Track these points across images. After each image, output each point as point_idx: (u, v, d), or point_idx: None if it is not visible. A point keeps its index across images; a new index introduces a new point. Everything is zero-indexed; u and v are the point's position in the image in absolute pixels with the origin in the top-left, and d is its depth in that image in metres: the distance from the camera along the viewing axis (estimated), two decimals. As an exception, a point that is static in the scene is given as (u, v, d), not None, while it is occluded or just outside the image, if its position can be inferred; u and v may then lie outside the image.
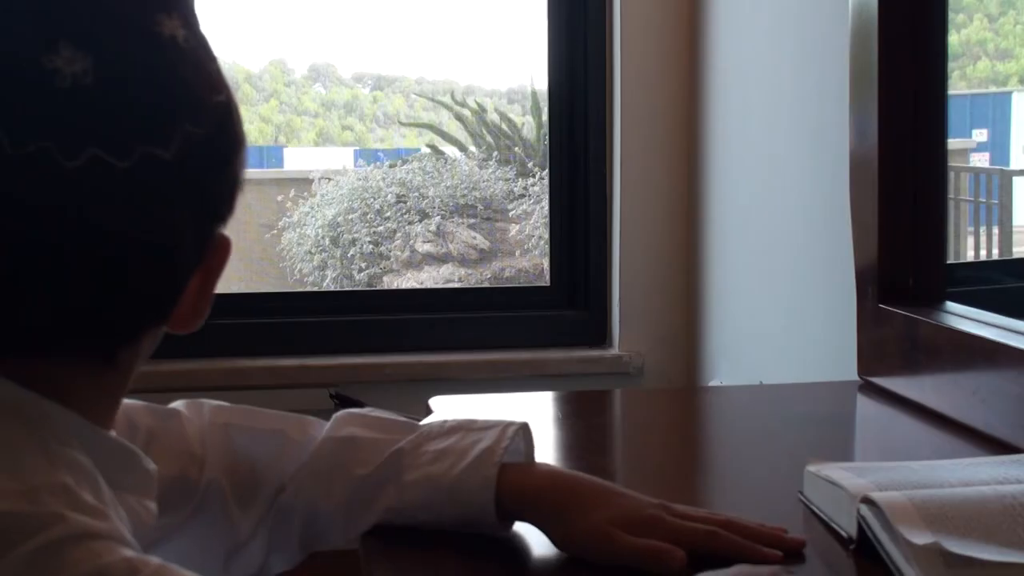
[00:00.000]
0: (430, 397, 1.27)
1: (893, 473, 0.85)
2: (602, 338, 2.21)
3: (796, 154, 1.70)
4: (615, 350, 2.27)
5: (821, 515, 0.87)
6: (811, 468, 0.90)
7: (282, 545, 0.92)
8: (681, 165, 2.13)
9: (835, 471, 0.87)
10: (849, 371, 1.35)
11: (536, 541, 0.85)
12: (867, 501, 0.79)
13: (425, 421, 0.94)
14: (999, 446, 1.05)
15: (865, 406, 1.30)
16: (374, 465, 0.88)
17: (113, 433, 0.73)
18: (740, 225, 1.95)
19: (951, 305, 1.25)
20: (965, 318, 1.20)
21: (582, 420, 1.29)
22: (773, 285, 1.78)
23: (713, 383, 2.04)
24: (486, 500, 0.84)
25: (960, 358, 1.16)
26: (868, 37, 1.29)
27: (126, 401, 0.82)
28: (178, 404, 0.93)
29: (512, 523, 0.87)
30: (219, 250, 0.72)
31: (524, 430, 0.89)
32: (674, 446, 1.22)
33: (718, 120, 2.02)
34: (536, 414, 1.23)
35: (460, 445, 0.87)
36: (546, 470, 0.88)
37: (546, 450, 1.09)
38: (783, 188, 1.74)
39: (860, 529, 0.80)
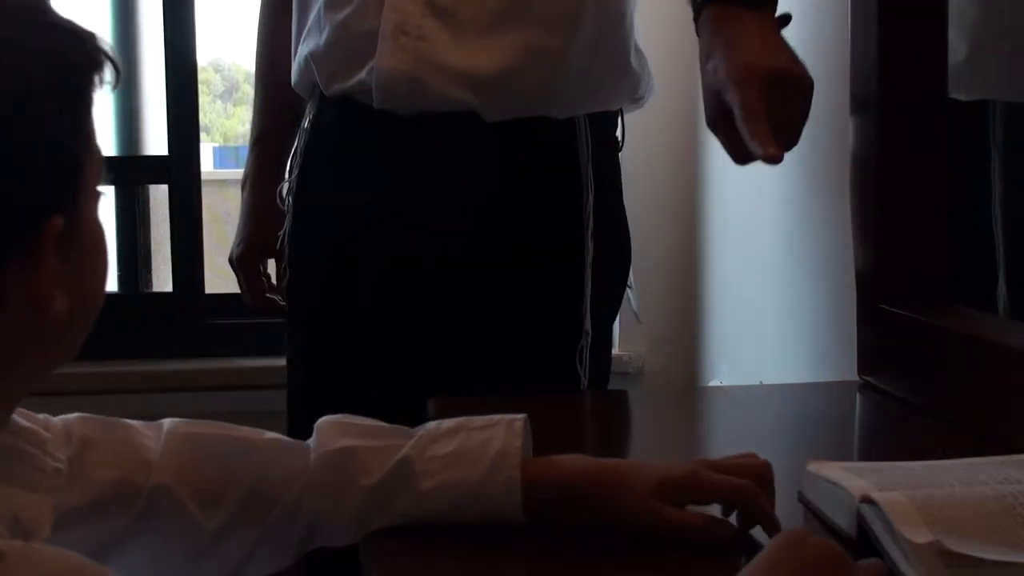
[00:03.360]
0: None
1: (893, 473, 0.85)
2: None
3: (796, 153, 1.70)
4: (615, 350, 2.26)
5: (821, 515, 0.87)
6: (811, 468, 0.90)
7: (276, 550, 0.92)
8: (681, 164, 2.13)
9: (835, 471, 0.87)
10: (849, 371, 1.35)
11: (538, 538, 0.85)
12: (867, 500, 0.79)
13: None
14: (999, 446, 1.05)
15: (865, 406, 1.30)
16: (380, 474, 0.88)
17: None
18: (740, 225, 1.95)
19: (951, 305, 1.25)
20: (965, 318, 1.20)
21: (583, 420, 1.29)
22: (773, 285, 1.79)
23: (713, 383, 2.04)
24: (512, 502, 0.85)
25: (960, 358, 1.16)
26: (868, 37, 1.29)
27: (70, 416, 0.87)
28: (137, 423, 0.93)
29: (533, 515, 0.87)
30: (45, 235, 0.69)
31: (524, 424, 0.90)
32: (674, 446, 1.22)
33: (718, 120, 2.02)
34: (536, 414, 1.23)
35: (470, 447, 0.88)
36: (568, 460, 0.89)
37: (546, 451, 1.09)
38: (783, 188, 1.74)
39: (860, 529, 0.80)
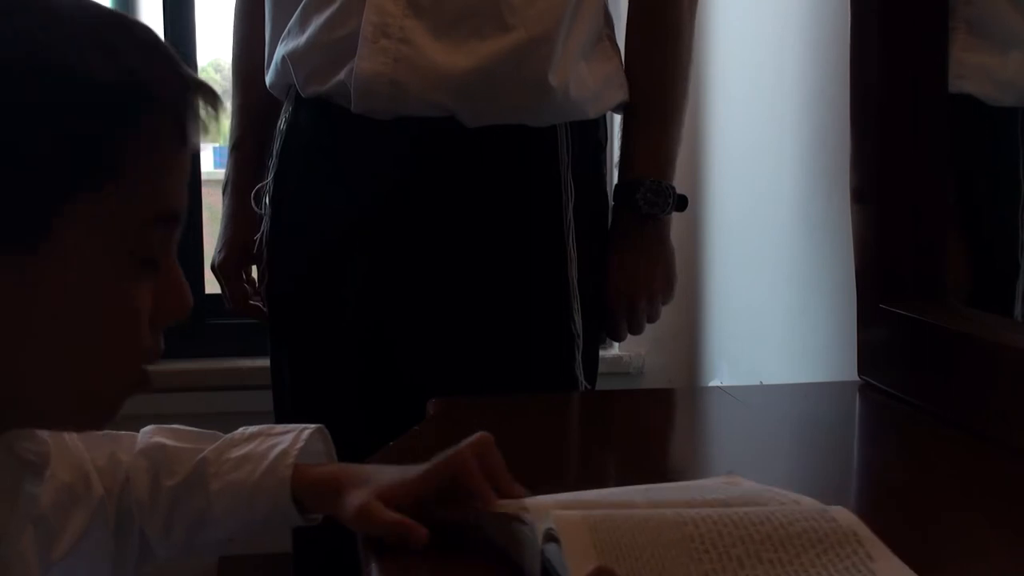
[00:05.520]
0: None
1: (584, 498, 0.80)
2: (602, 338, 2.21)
3: (797, 153, 1.70)
4: (615, 350, 2.27)
5: (508, 554, 0.80)
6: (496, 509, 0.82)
7: (129, 557, 0.95)
8: (681, 164, 2.13)
9: (513, 505, 0.80)
10: (849, 371, 1.35)
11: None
12: (551, 539, 0.72)
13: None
14: (999, 446, 1.05)
15: (865, 406, 1.30)
16: (182, 475, 0.92)
17: None
18: (740, 225, 1.95)
19: (951, 305, 1.25)
20: (965, 318, 1.20)
21: (582, 420, 1.29)
22: (773, 285, 1.78)
23: (713, 383, 2.04)
24: (284, 500, 0.89)
25: (960, 358, 1.16)
26: (868, 36, 1.29)
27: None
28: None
29: (321, 516, 0.91)
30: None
31: (320, 432, 0.94)
32: (674, 446, 1.22)
33: (718, 118, 2.02)
34: (536, 415, 1.23)
35: (259, 450, 0.92)
36: (334, 465, 0.92)
37: (546, 450, 1.09)
38: (784, 188, 1.74)
39: (544, 570, 0.74)
